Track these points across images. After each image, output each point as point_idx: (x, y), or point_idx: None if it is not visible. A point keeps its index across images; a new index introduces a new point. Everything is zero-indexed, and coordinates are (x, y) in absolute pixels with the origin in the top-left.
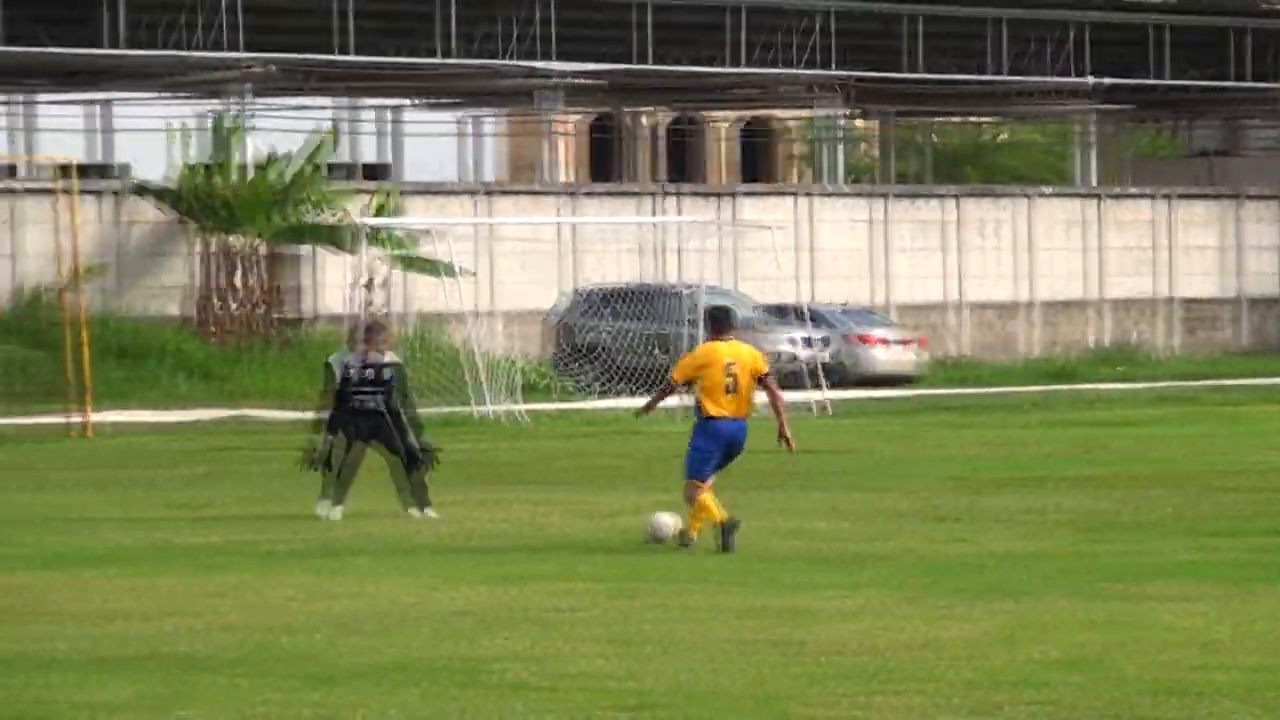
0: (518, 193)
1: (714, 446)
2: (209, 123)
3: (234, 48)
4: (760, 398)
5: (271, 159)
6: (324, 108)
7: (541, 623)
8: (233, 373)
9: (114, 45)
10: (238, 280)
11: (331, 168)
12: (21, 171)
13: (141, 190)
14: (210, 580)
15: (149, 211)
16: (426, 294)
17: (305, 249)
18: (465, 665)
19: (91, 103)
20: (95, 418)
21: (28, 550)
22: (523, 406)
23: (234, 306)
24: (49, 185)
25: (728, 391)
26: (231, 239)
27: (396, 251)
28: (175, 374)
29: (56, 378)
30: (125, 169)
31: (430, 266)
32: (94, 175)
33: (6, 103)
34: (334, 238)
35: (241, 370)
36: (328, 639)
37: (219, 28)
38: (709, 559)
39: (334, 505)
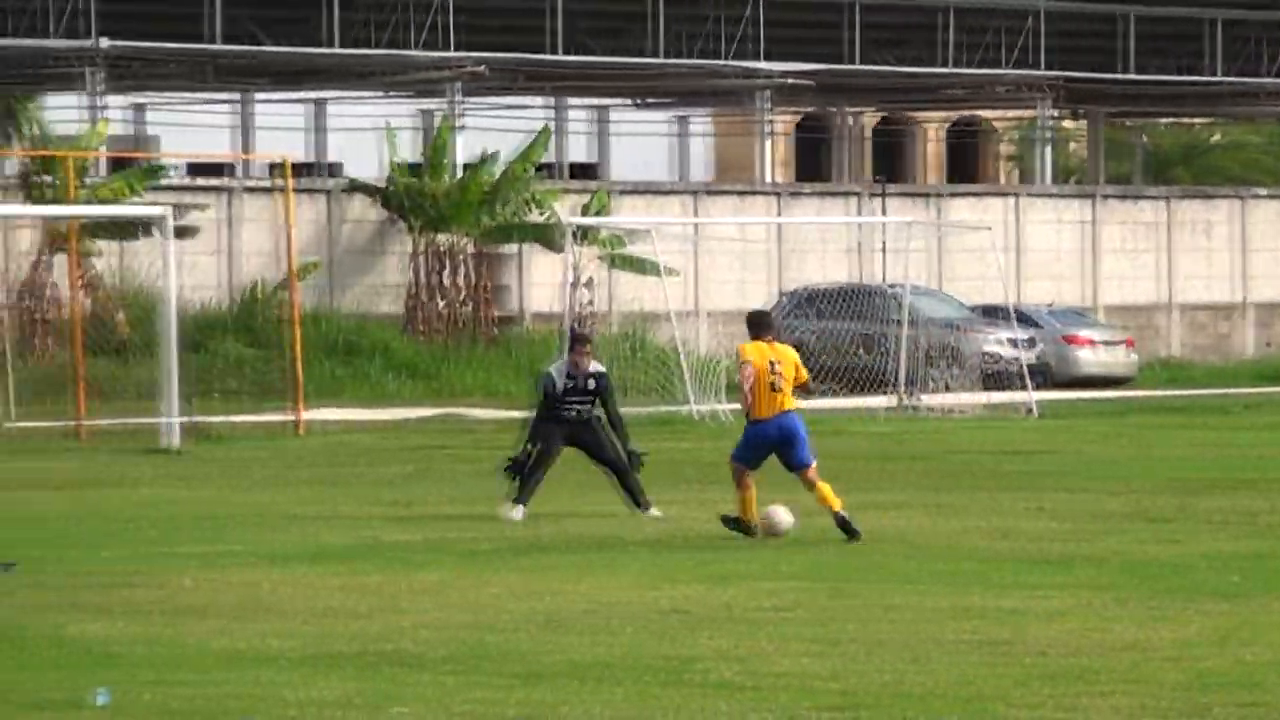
0: (729, 193)
1: (763, 444)
2: (420, 121)
3: (446, 47)
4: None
5: (484, 158)
6: (534, 107)
7: (746, 622)
8: (441, 370)
9: (330, 44)
10: (447, 279)
11: (541, 167)
12: (239, 170)
13: (355, 189)
14: (417, 578)
15: (363, 210)
16: (638, 293)
17: (514, 248)
18: (670, 664)
19: (307, 101)
20: (308, 415)
21: (246, 548)
22: (726, 406)
23: (442, 305)
24: (266, 183)
25: (773, 390)
26: (441, 237)
27: (606, 251)
28: (386, 371)
29: (273, 375)
30: (339, 167)
31: (641, 266)
32: (309, 174)
33: (225, 101)
34: (544, 237)
35: (450, 368)
36: (533, 637)
37: (431, 28)
38: (912, 560)
39: (515, 504)
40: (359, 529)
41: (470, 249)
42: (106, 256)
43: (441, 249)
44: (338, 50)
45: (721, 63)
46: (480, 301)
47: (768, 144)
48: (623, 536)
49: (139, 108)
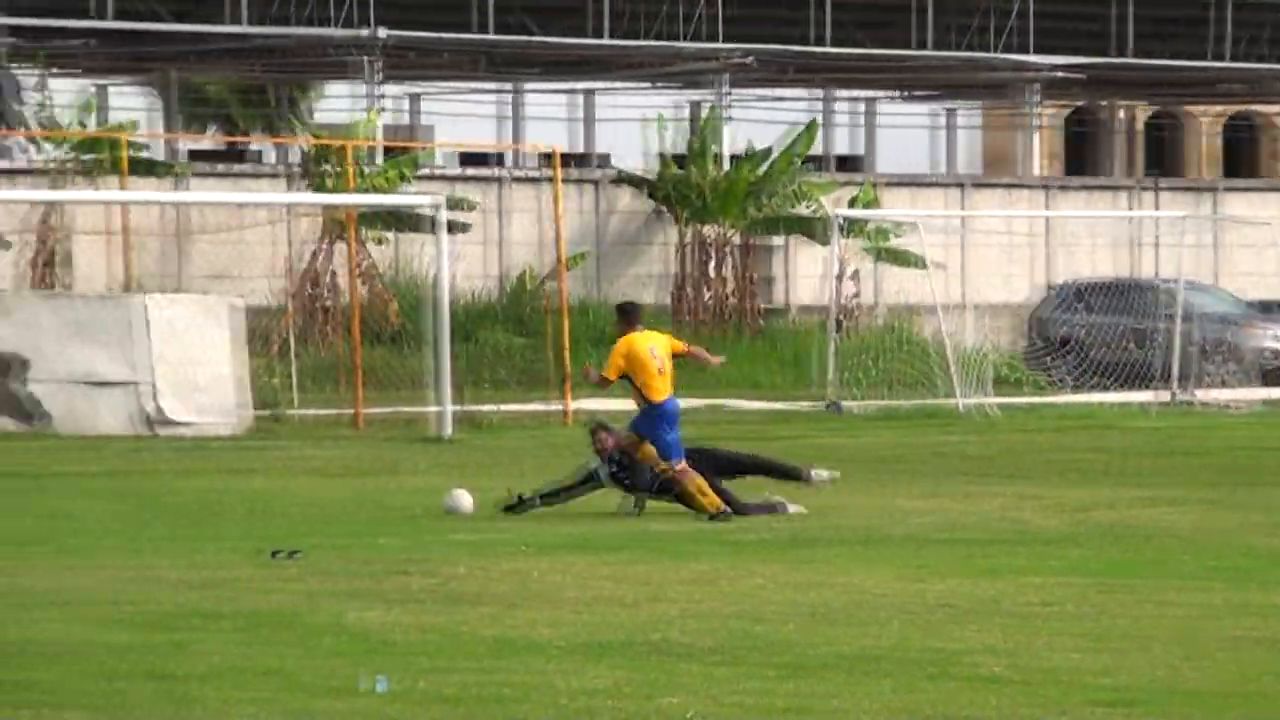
0: (995, 185)
1: (672, 428)
2: (687, 113)
3: (714, 39)
4: None
5: (749, 152)
6: (801, 99)
7: (1015, 616)
8: None
9: (599, 35)
10: (712, 270)
11: (806, 159)
12: (509, 160)
13: (621, 179)
14: (684, 568)
15: (629, 200)
16: (903, 286)
17: (780, 240)
18: (937, 657)
19: (576, 92)
20: (575, 405)
21: (516, 536)
22: (993, 400)
23: (707, 296)
24: (535, 174)
25: (660, 374)
26: (706, 229)
27: (873, 244)
28: None
29: (541, 365)
30: (606, 158)
31: (906, 258)
32: (577, 164)
33: (496, 91)
34: (809, 229)
35: None
36: (800, 629)
37: (700, 19)
38: (1186, 555)
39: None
40: (629, 518)
41: (736, 240)
42: (382, 246)
43: (707, 240)
44: (607, 41)
45: (989, 55)
46: (745, 293)
47: (1035, 137)
48: (888, 530)
49: (414, 97)
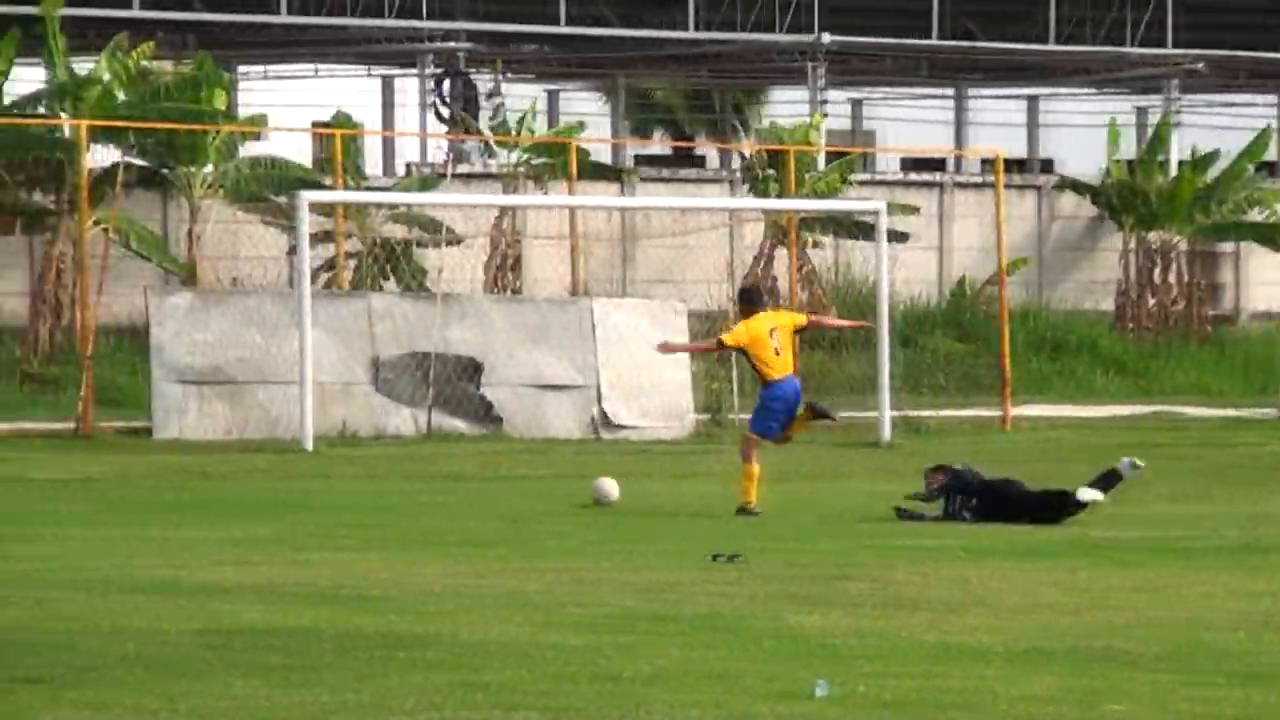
0: None
1: (781, 407)
2: (1138, 118)
3: (1164, 44)
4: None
5: (1197, 157)
6: (1258, 104)
7: None
8: (1152, 368)
9: (1045, 41)
10: (1159, 276)
11: (1266, 165)
12: (953, 165)
13: (1068, 185)
14: (1129, 575)
15: (1074, 207)
16: None
17: (1230, 246)
18: None
19: (1023, 97)
20: (1015, 411)
21: (954, 542)
22: None
23: (1154, 302)
24: (978, 179)
25: (777, 354)
26: (1155, 235)
27: None
28: (1095, 368)
29: (981, 371)
30: (1051, 164)
31: None
32: (1021, 170)
33: (940, 96)
34: (1264, 235)
35: (1161, 366)
36: (1253, 637)
37: (1150, 24)
38: None
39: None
40: (1068, 525)
41: (1184, 246)
42: (826, 251)
43: (1154, 246)
44: (1053, 47)
45: None
46: (1194, 299)
47: None
48: None
49: (857, 102)
